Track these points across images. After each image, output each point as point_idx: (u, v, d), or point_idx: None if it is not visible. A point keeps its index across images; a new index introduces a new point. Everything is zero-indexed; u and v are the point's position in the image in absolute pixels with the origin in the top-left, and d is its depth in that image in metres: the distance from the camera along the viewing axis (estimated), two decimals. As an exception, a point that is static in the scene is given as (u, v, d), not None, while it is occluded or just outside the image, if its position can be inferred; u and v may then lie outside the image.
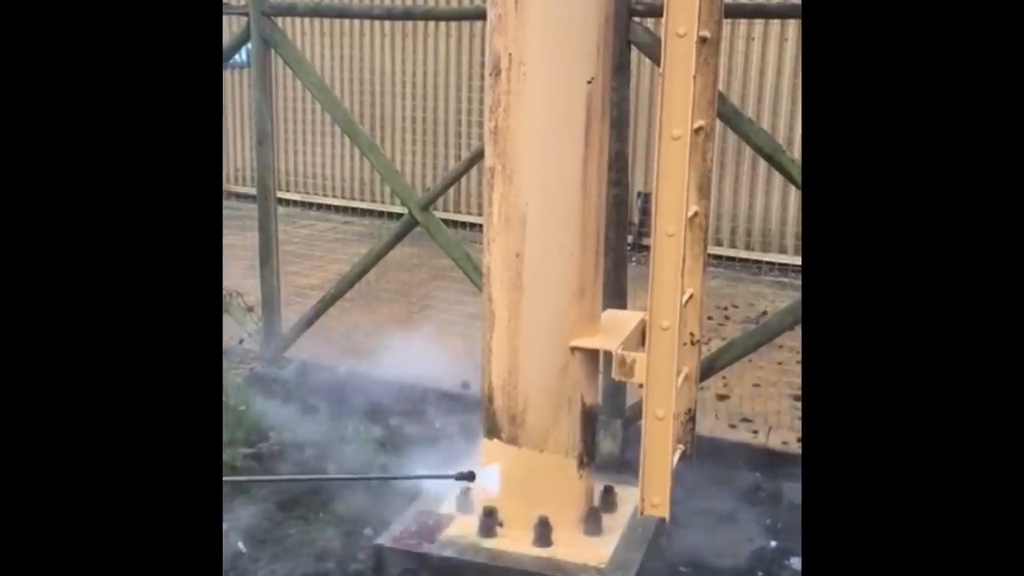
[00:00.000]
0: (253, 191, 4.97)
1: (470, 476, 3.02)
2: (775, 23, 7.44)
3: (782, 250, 7.76)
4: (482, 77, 2.96)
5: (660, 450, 2.76)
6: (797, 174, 3.59)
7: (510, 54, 2.81)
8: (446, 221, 5.68)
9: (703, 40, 2.78)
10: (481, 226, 3.06)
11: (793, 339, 4.55)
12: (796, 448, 4.13)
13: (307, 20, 9.22)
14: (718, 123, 3.17)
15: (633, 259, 6.27)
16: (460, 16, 4.36)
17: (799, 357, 5.29)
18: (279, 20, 4.75)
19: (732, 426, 4.48)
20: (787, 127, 7.57)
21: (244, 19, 4.66)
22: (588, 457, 3.13)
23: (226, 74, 9.44)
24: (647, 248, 2.80)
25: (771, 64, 7.60)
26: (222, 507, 3.28)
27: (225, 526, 3.38)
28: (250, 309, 5.08)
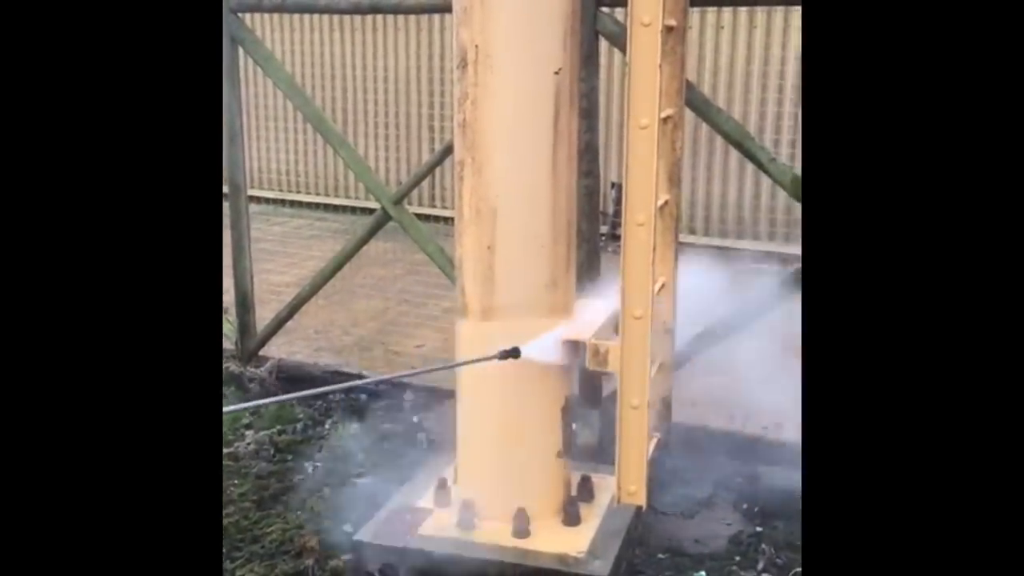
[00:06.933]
0: (224, 189, 4.92)
1: (515, 353, 2.86)
2: (743, 11, 7.47)
3: (756, 237, 7.80)
4: (452, 71, 2.95)
5: (636, 439, 2.77)
6: (766, 160, 3.61)
7: (476, 46, 2.80)
8: (422, 216, 5.66)
9: (668, 29, 2.78)
10: (455, 219, 3.05)
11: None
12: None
13: (274, 16, 9.16)
14: (690, 112, 3.18)
15: (609, 249, 6.29)
16: (427, 9, 4.33)
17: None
18: (246, 16, 4.71)
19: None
20: (758, 114, 7.61)
21: (210, 16, 4.62)
22: (565, 447, 3.14)
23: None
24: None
25: (740, 52, 7.63)
26: (222, 505, 3.29)
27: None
28: (224, 310, 5.04)
